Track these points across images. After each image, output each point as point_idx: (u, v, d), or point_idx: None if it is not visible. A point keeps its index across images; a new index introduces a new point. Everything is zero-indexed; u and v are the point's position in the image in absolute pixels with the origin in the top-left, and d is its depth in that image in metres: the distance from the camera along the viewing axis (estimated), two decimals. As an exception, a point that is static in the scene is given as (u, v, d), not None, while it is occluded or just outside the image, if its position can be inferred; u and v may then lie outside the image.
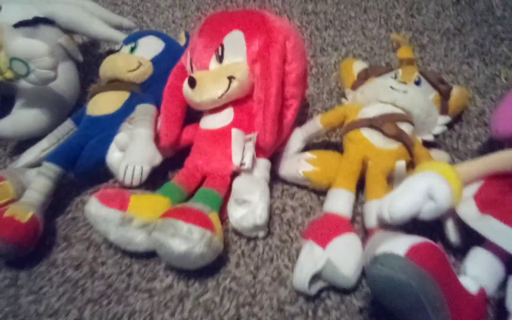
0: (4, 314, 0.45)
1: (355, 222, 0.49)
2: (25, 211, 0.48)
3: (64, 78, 0.65)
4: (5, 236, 0.46)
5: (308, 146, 0.55)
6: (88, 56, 0.77)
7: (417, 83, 0.53)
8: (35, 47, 0.53)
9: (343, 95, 0.57)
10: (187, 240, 0.41)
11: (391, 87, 0.50)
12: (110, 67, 0.58)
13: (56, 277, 0.48)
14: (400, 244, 0.34)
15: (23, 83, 0.61)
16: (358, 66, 0.59)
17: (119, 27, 0.71)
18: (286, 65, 0.50)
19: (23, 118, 0.61)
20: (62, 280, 0.48)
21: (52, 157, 0.53)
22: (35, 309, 0.45)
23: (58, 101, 0.64)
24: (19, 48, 0.53)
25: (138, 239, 0.46)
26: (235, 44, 0.50)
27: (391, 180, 0.47)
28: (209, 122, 0.52)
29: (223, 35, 0.51)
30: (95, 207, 0.46)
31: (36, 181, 0.52)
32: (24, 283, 0.48)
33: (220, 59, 0.51)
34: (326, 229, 0.43)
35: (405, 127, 0.49)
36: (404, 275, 0.32)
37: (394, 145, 0.48)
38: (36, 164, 0.57)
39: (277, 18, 0.52)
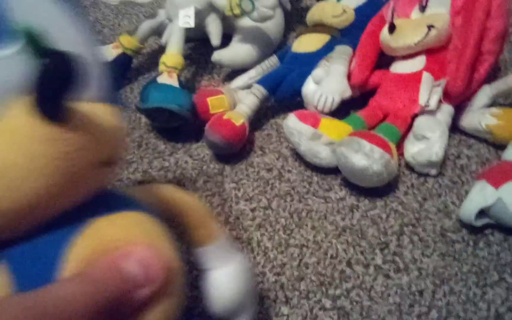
0: (212, 193, 0.59)
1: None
2: (238, 117, 0.61)
3: (274, 22, 0.76)
4: (223, 133, 0.59)
5: (494, 105, 0.56)
6: (292, 8, 0.88)
7: None
8: (262, -12, 0.65)
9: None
10: (368, 157, 0.48)
11: None
12: (318, 11, 0.67)
13: (252, 174, 0.60)
14: None
15: (241, 22, 0.75)
16: None
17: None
18: (488, 20, 0.52)
19: (238, 50, 0.75)
20: (256, 177, 0.59)
21: (261, 81, 0.65)
22: (235, 193, 0.58)
23: (267, 40, 0.76)
24: (250, -12, 0.65)
25: (324, 154, 0.55)
26: (440, -4, 0.54)
27: None
28: (400, 67, 0.58)
29: (429, -14, 0.55)
30: (292, 121, 0.56)
31: (247, 98, 0.64)
32: (228, 174, 0.61)
33: (423, 9, 0.55)
34: (501, 173, 0.45)
35: None
36: None
37: None
38: (244, 88, 0.70)
39: (485, -26, 0.54)
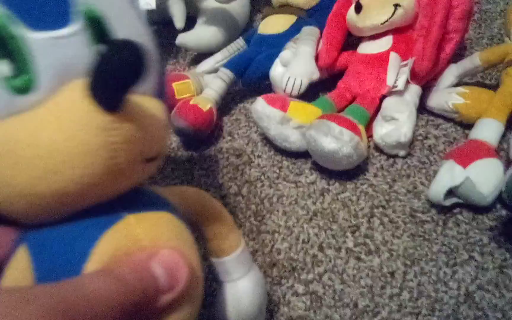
0: (180, 181, 0.57)
1: (499, 154, 0.50)
2: (205, 102, 0.59)
3: (240, 3, 0.75)
4: (191, 120, 0.57)
5: (460, 84, 0.57)
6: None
7: None
8: (226, -31, 0.63)
9: (507, 35, 0.57)
10: (337, 140, 0.48)
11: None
12: (283, -8, 0.66)
13: (222, 161, 0.59)
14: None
15: (205, 4, 0.73)
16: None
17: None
18: (454, -1, 0.52)
19: (204, 33, 0.72)
20: (226, 163, 0.58)
21: (228, 65, 0.63)
22: (204, 180, 0.56)
23: (233, 22, 0.74)
24: (214, -32, 0.63)
25: (293, 138, 0.54)
26: (406, -26, 0.54)
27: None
28: (367, 47, 0.57)
29: (394, -35, 0.54)
30: (261, 106, 0.55)
31: (214, 82, 0.62)
32: (196, 161, 0.59)
33: (389, -13, 0.55)
34: (469, 152, 0.46)
35: None
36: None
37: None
38: (210, 72, 0.68)
39: (450, -48, 0.54)
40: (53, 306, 0.18)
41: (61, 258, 0.22)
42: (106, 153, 0.22)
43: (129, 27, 0.24)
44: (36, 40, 0.21)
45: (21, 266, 0.23)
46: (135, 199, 0.26)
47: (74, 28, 0.22)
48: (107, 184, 0.23)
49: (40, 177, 0.21)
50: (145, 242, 0.24)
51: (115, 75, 0.20)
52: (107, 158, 0.22)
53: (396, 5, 0.53)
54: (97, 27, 0.23)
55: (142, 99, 0.24)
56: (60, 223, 0.23)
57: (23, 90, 0.21)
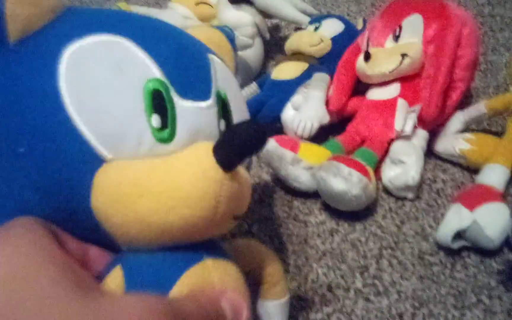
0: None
1: (506, 199, 0.51)
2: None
3: (254, 50, 0.78)
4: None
5: (467, 130, 0.58)
6: (271, 37, 0.90)
7: None
8: (242, 18, 0.67)
9: (510, 85, 0.59)
10: (346, 181, 0.49)
11: None
12: (296, 40, 0.69)
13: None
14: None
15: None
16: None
17: (303, 12, 0.82)
18: (460, 49, 0.54)
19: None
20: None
21: (241, 107, 0.66)
22: (216, 218, 0.58)
23: (247, 67, 0.77)
24: (230, 17, 0.67)
25: (303, 178, 0.55)
26: (413, 26, 0.57)
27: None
28: (376, 94, 0.59)
29: (403, 17, 0.58)
30: (272, 147, 0.57)
31: (228, 123, 0.65)
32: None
33: (397, 38, 0.58)
34: (476, 196, 0.46)
35: None
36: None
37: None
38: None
39: (456, 7, 0.57)
40: (171, 315, 0.23)
41: (150, 282, 0.26)
42: (214, 202, 0.26)
43: (239, 107, 0.32)
44: (183, 106, 0.27)
45: (115, 282, 0.27)
46: (212, 246, 0.30)
47: (210, 103, 0.29)
48: (203, 229, 0.27)
49: (159, 209, 0.25)
50: (217, 283, 0.28)
51: (240, 144, 0.25)
52: (213, 206, 0.26)
53: (404, 55, 0.56)
54: (222, 105, 0.30)
55: (241, 169, 0.29)
56: (152, 252, 0.27)
57: (165, 140, 0.27)
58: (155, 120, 0.26)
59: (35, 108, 0.25)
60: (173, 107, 0.27)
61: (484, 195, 0.46)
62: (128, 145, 0.26)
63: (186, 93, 0.28)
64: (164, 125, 0.27)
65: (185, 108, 0.27)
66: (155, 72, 0.27)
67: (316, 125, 0.59)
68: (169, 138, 0.27)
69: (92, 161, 0.25)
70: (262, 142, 0.26)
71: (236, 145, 0.25)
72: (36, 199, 0.26)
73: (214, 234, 0.29)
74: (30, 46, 0.26)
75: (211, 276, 0.28)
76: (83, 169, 0.25)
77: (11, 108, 0.25)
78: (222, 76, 0.31)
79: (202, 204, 0.26)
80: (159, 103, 0.26)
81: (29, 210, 0.25)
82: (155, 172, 0.25)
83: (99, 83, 0.26)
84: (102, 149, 0.25)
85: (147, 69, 0.27)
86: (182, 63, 0.29)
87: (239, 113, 0.32)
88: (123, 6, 0.75)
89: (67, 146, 0.25)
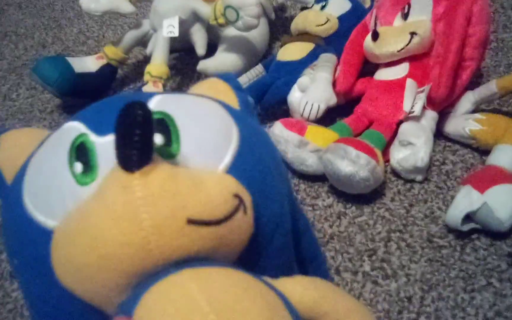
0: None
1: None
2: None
3: (259, 31, 0.77)
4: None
5: (477, 111, 0.57)
6: (277, 17, 0.88)
7: None
8: (246, -2, 0.65)
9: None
10: (354, 163, 0.48)
11: None
12: (302, 20, 0.68)
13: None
14: None
15: (226, 32, 0.75)
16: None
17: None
18: (470, 27, 0.53)
19: (224, 59, 0.74)
20: (243, 185, 0.59)
21: (247, 90, 0.65)
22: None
23: (253, 48, 0.76)
24: (234, -3, 0.65)
25: (310, 161, 0.55)
26: (422, 3, 0.55)
27: None
28: (384, 74, 0.58)
29: (411, -6, 0.56)
30: (279, 129, 0.56)
31: (233, 106, 0.64)
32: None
33: (405, 16, 0.56)
34: (486, 177, 0.46)
35: None
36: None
37: None
38: (230, 97, 0.70)
39: (466, -17, 0.55)
40: None
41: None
42: (130, 213, 0.23)
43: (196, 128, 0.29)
44: (102, 142, 0.27)
45: None
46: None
47: None
48: (142, 259, 0.24)
49: (88, 257, 0.24)
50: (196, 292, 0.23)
51: (121, 133, 0.23)
52: (132, 219, 0.23)
53: (413, 33, 0.54)
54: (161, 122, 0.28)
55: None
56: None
57: (88, 182, 0.26)
58: (78, 167, 0.26)
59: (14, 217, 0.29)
60: (92, 148, 0.27)
61: (495, 176, 0.45)
62: (55, 202, 0.26)
63: (104, 131, 0.27)
64: (87, 169, 0.26)
65: (105, 143, 0.27)
66: (81, 128, 0.28)
67: (323, 107, 0.58)
68: (92, 178, 0.26)
69: (43, 236, 0.26)
70: (139, 120, 0.22)
71: (119, 137, 0.23)
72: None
73: (178, 254, 0.24)
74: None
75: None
76: (41, 247, 0.26)
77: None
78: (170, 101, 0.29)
79: (117, 225, 0.23)
80: (81, 151, 0.27)
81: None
82: (76, 221, 0.25)
83: (42, 161, 0.29)
84: (44, 220, 0.27)
85: (77, 131, 0.28)
86: (101, 109, 0.30)
87: (196, 132, 0.28)
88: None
89: (28, 235, 0.27)
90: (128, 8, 0.72)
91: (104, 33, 0.95)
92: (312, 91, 0.59)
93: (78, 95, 0.74)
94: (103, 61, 0.74)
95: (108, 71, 0.75)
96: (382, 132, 0.54)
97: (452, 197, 0.50)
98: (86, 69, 0.73)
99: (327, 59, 0.62)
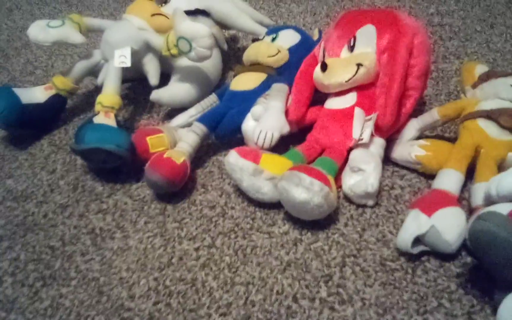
0: (154, 234, 0.57)
1: (461, 203, 0.52)
2: (179, 155, 0.60)
3: (212, 61, 0.77)
4: (164, 172, 0.57)
5: (421, 137, 0.60)
6: (229, 48, 0.89)
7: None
8: (199, 30, 0.66)
9: (463, 92, 0.61)
10: (308, 190, 0.49)
11: (511, 85, 0.54)
12: (254, 51, 0.69)
13: (195, 213, 0.59)
14: (504, 207, 0.38)
15: (179, 62, 0.75)
16: (480, 69, 0.62)
17: (260, 23, 0.83)
18: (412, 58, 0.56)
19: (177, 89, 0.74)
20: (199, 215, 0.58)
21: (201, 119, 0.65)
22: (178, 233, 0.56)
23: (206, 79, 0.76)
24: (187, 29, 0.66)
25: (265, 189, 0.55)
26: (367, 36, 0.58)
27: (502, 170, 0.50)
28: (334, 103, 0.60)
29: (356, 28, 0.59)
30: (234, 158, 0.56)
31: (188, 136, 0.63)
32: (170, 213, 0.59)
33: (351, 48, 0.59)
34: (433, 201, 0.48)
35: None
36: (504, 232, 0.36)
37: (508, 137, 0.51)
38: (184, 126, 0.70)
39: (407, 17, 0.59)
40: None
41: None
42: None
43: None
44: None
45: None
46: None
47: None
48: None
49: None
50: None
51: None
52: None
53: (359, 65, 0.57)
54: None
55: None
56: None
57: None
58: None
59: None
60: None
61: (441, 200, 0.48)
62: None
63: None
64: None
65: None
66: None
67: (276, 135, 0.59)
68: None
69: None
70: None
71: None
72: None
73: None
74: None
75: None
76: None
77: None
78: None
79: None
80: None
81: None
82: None
83: None
84: None
85: None
86: None
87: None
88: (75, 17, 0.73)
89: None
90: (78, 38, 0.70)
91: (53, 62, 0.93)
92: (265, 120, 0.60)
93: (26, 126, 0.71)
94: (52, 91, 0.72)
95: (57, 102, 0.73)
96: (334, 159, 0.56)
97: (402, 221, 0.52)
98: (34, 100, 0.71)
99: (279, 88, 0.64)
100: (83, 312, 0.48)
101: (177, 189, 0.60)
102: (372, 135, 0.55)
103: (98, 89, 0.69)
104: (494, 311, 0.41)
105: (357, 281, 0.48)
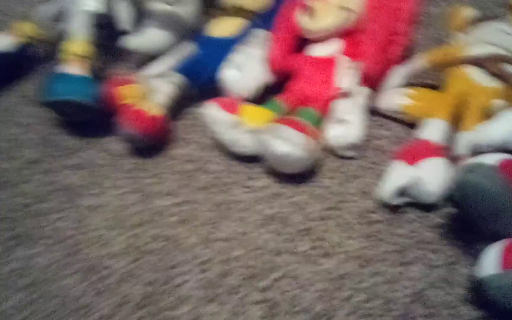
0: (131, 189, 0.55)
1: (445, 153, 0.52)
2: (155, 107, 0.57)
3: (189, 5, 0.73)
4: (138, 125, 0.54)
5: (407, 86, 0.58)
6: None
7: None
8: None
9: (451, 37, 0.59)
10: (289, 143, 0.47)
11: (501, 30, 0.52)
12: (233, -6, 0.65)
13: (173, 167, 0.57)
14: (493, 157, 0.37)
15: (152, 5, 0.71)
16: (468, 12, 0.60)
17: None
18: (399, 2, 0.53)
19: (151, 36, 0.69)
20: (178, 169, 0.56)
21: (178, 69, 0.62)
22: (156, 188, 0.55)
23: (181, 23, 0.71)
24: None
25: (245, 142, 0.53)
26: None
27: (488, 118, 0.49)
28: (317, 50, 0.58)
29: (343, -31, 0.55)
30: (213, 110, 0.54)
31: (164, 86, 0.60)
32: (147, 168, 0.57)
33: (338, -9, 0.55)
34: (416, 151, 0.47)
35: (510, 69, 0.50)
36: (492, 184, 0.35)
37: (495, 84, 0.50)
38: (160, 76, 0.66)
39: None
40: None
41: None
42: None
43: None
44: None
45: None
46: None
47: None
48: None
49: None
50: None
51: None
52: None
53: (346, 9, 0.54)
54: None
55: None
56: None
57: None
58: None
59: None
60: None
61: (425, 150, 0.47)
62: None
63: None
64: None
65: None
66: None
67: (257, 85, 0.56)
68: None
69: None
70: None
71: None
72: None
73: None
74: None
75: None
76: None
77: None
78: None
79: None
80: None
81: None
82: None
83: None
84: None
85: None
86: None
87: None
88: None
89: None
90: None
91: (13, 6, 0.86)
92: (246, 69, 0.57)
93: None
94: (21, 40, 0.68)
95: (20, 50, 0.69)
96: (317, 109, 0.54)
97: (385, 172, 0.51)
98: (3, 49, 0.66)
99: (260, 35, 0.61)
100: (59, 271, 0.47)
101: (153, 142, 0.58)
102: (357, 84, 0.53)
103: (64, 36, 0.65)
104: (475, 261, 0.41)
105: (339, 234, 0.47)
